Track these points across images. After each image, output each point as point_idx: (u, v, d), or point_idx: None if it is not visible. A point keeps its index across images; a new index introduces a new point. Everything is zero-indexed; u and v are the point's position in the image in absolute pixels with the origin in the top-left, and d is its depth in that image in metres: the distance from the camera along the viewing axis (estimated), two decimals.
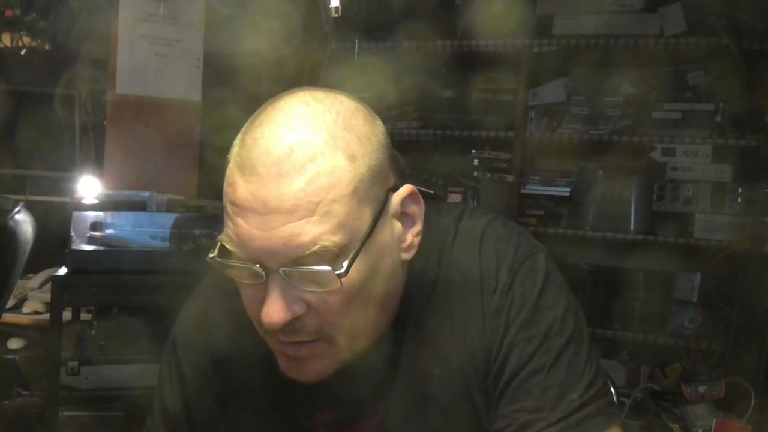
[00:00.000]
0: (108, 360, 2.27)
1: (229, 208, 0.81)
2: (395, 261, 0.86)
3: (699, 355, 2.75)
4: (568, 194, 3.07)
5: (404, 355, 0.92)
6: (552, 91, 3.07)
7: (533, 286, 0.90)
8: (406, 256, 0.87)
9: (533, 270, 0.91)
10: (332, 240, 0.78)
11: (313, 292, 0.81)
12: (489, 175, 3.16)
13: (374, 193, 0.82)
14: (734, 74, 2.73)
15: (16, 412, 2.49)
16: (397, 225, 0.86)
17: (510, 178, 3.11)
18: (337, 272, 0.78)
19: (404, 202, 0.86)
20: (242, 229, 0.79)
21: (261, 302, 0.81)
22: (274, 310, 0.80)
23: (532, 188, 3.11)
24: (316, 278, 0.80)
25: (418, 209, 0.87)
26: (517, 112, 3.08)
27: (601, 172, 2.99)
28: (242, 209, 0.79)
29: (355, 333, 0.85)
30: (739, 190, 2.80)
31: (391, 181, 0.85)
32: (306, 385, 0.89)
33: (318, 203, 0.77)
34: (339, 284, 0.79)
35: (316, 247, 0.77)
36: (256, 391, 0.97)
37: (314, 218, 0.77)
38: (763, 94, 2.71)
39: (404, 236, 0.87)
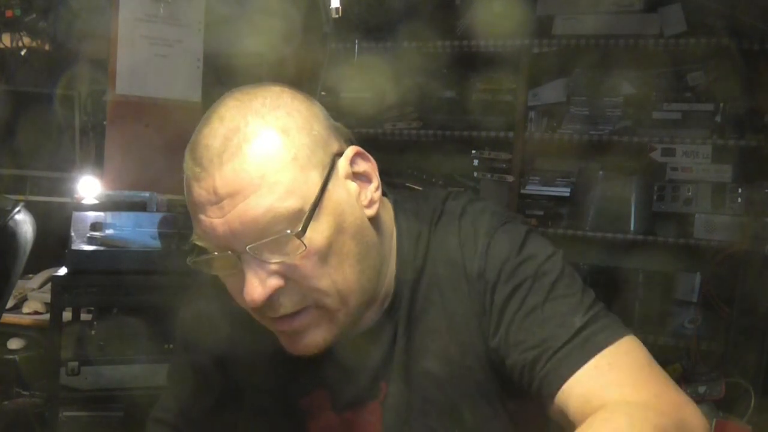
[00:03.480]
0: (108, 360, 2.26)
1: (191, 210, 0.86)
2: (359, 218, 0.89)
3: (699, 355, 2.75)
4: (568, 194, 3.07)
5: (400, 336, 0.94)
6: (552, 92, 3.07)
7: (513, 242, 0.92)
8: (370, 212, 0.90)
9: (511, 230, 0.94)
10: (284, 205, 0.81)
11: (282, 262, 0.83)
12: (489, 175, 3.16)
13: (318, 159, 0.85)
14: (734, 74, 2.73)
15: (16, 412, 2.49)
16: (352, 185, 0.89)
17: (510, 178, 3.11)
18: (294, 233, 0.81)
19: (352, 161, 0.90)
20: (204, 222, 0.84)
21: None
22: (252, 288, 0.83)
23: (532, 188, 3.11)
24: (281, 248, 0.83)
25: (369, 166, 0.91)
26: (517, 113, 3.07)
27: (601, 172, 2.99)
28: (199, 205, 0.84)
29: (341, 294, 0.87)
30: (739, 191, 2.79)
31: (335, 147, 0.89)
32: (300, 363, 0.92)
33: (262, 176, 0.81)
34: (303, 248, 0.82)
35: (270, 216, 0.81)
36: (255, 368, 1.00)
37: (262, 190, 0.81)
38: (763, 94, 2.70)
39: (363, 194, 0.90)
